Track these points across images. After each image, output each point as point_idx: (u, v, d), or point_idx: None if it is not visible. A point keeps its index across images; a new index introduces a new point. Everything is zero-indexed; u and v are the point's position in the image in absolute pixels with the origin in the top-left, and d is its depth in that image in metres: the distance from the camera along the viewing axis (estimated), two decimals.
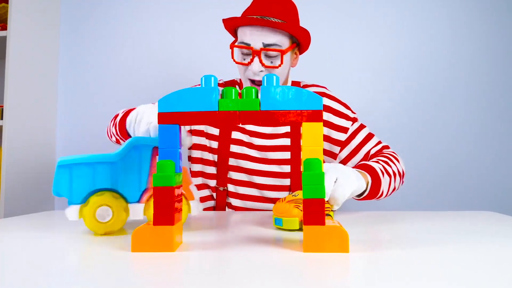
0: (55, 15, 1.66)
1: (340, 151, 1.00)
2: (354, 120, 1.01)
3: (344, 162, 1.00)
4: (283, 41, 0.91)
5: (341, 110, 1.00)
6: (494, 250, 0.48)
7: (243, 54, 0.93)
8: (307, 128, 0.50)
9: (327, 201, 0.70)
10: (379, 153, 0.97)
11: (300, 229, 0.63)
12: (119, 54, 1.68)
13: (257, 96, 0.51)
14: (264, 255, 0.46)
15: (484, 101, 1.56)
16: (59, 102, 1.69)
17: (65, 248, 0.50)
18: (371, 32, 1.59)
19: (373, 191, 0.84)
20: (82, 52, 1.69)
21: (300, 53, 1.00)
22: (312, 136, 0.50)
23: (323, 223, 0.47)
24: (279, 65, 0.91)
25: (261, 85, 0.92)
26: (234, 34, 0.98)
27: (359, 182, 0.77)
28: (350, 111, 1.01)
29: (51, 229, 0.65)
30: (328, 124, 0.99)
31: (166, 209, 0.48)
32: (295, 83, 1.06)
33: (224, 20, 0.93)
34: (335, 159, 1.02)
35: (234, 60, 0.93)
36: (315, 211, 0.48)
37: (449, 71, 1.57)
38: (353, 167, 0.87)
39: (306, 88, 1.03)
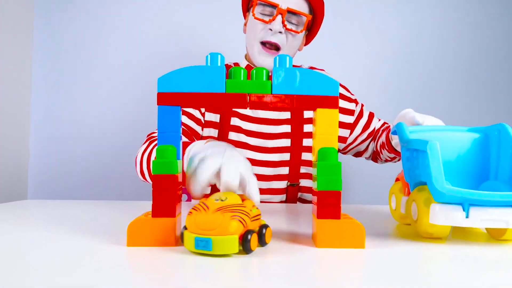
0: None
1: (350, 133, 1.01)
2: (355, 101, 1.02)
3: (355, 140, 1.01)
4: (305, 10, 0.89)
5: (345, 94, 1.01)
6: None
7: (262, 14, 0.88)
8: (321, 114, 0.46)
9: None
10: (382, 127, 1.00)
11: (240, 252, 0.40)
12: (101, 43, 1.52)
13: (268, 78, 0.47)
14: (274, 250, 0.42)
15: (486, 105, 1.58)
16: (33, 82, 1.53)
17: (53, 241, 0.44)
18: (371, 30, 1.57)
19: None
20: (59, 39, 1.52)
21: (307, 43, 0.99)
22: (327, 124, 0.46)
23: (338, 217, 0.44)
24: (301, 31, 0.89)
25: (272, 49, 0.89)
26: (247, 6, 0.95)
27: None
28: (350, 93, 1.02)
29: (31, 220, 0.58)
30: None
31: (167, 200, 0.44)
32: (296, 67, 1.03)
33: None
34: (344, 142, 1.02)
35: (253, 15, 0.88)
36: (330, 204, 0.44)
37: (452, 77, 1.58)
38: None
39: None
